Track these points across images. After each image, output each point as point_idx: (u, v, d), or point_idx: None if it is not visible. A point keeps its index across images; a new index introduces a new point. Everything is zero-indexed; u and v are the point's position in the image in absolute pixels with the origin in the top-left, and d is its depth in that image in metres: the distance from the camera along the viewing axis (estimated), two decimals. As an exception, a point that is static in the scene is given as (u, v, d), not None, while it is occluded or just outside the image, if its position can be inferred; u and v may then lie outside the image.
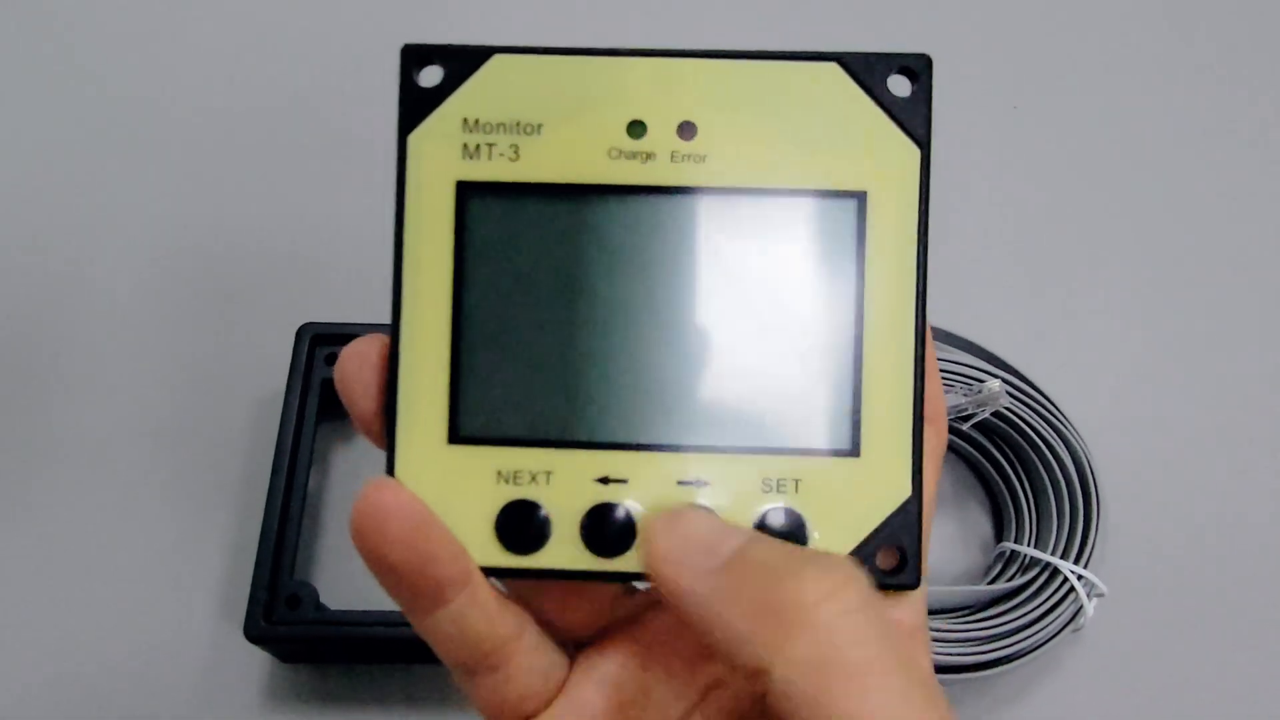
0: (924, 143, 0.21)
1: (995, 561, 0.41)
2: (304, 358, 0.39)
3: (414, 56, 0.21)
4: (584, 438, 0.21)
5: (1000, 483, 0.42)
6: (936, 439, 0.22)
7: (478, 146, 0.21)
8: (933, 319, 0.44)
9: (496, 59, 0.21)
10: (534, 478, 0.21)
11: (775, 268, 0.21)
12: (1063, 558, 0.39)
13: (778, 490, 0.21)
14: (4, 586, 0.39)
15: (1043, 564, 0.39)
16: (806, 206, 0.21)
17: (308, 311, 0.42)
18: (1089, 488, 0.40)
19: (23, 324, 0.45)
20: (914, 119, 0.21)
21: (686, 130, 0.21)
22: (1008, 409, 0.41)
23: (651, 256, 0.21)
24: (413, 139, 0.21)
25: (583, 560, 0.21)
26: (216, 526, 0.40)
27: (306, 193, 0.50)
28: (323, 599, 0.35)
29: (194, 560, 0.40)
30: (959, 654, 0.37)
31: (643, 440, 0.21)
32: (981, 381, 0.41)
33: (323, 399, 0.39)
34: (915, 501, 0.21)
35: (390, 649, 0.36)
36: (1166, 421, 0.45)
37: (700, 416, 0.21)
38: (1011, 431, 0.41)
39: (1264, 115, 0.54)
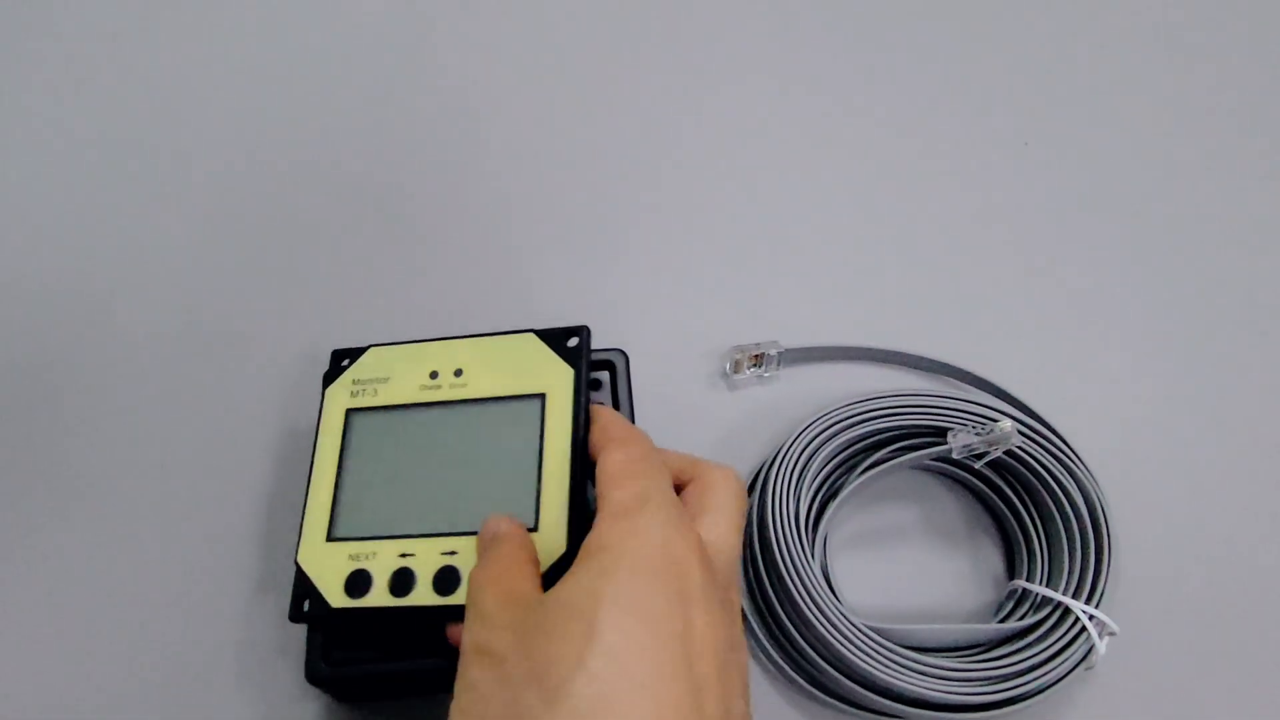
0: (578, 368, 0.38)
1: (1007, 600, 0.41)
2: (333, 374, 0.40)
3: (337, 357, 0.40)
4: (395, 533, 0.36)
5: (1012, 521, 0.43)
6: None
7: (358, 391, 0.39)
8: (947, 356, 0.45)
9: (371, 350, 0.40)
10: (366, 556, 0.36)
11: (499, 436, 0.37)
12: (1074, 597, 0.39)
13: None
14: (56, 635, 0.40)
15: (1054, 603, 0.39)
16: (516, 402, 0.38)
17: (329, 336, 0.43)
18: (1101, 527, 0.40)
19: (65, 353, 0.47)
20: (572, 357, 0.38)
21: (459, 373, 0.39)
22: (1020, 448, 0.41)
23: (436, 438, 0.38)
24: (328, 390, 0.40)
25: (388, 599, 0.35)
26: (251, 551, 0.41)
27: (330, 224, 0.51)
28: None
29: (233, 594, 0.41)
30: (970, 693, 0.37)
31: (424, 531, 0.36)
32: (994, 421, 0.41)
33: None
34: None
35: (398, 647, 0.37)
36: (1179, 460, 0.45)
37: (455, 518, 0.36)
38: (1024, 470, 0.42)
39: None
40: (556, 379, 0.38)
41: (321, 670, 0.35)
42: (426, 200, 0.52)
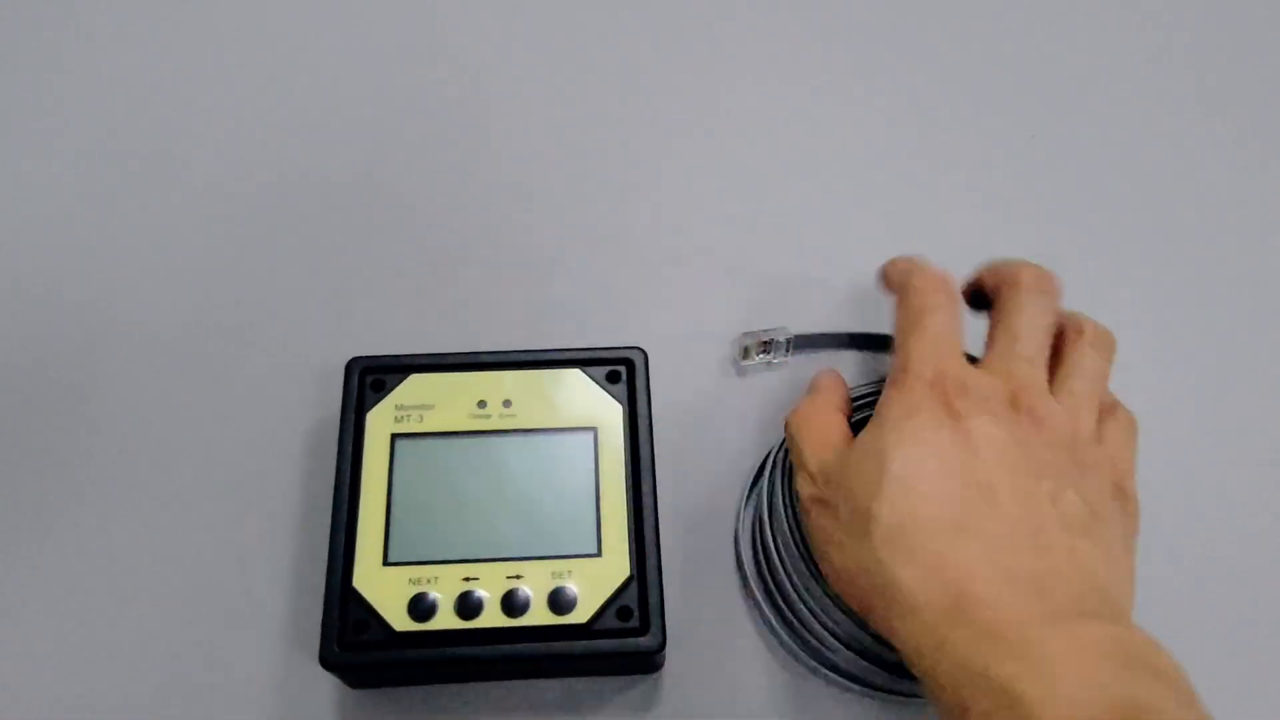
0: (623, 402, 0.41)
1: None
2: (355, 390, 0.41)
3: (362, 371, 0.41)
4: (456, 558, 0.37)
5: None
6: None
7: (402, 417, 0.40)
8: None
9: (412, 376, 0.41)
10: (428, 580, 0.37)
11: (555, 466, 0.39)
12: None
13: (562, 577, 0.37)
14: (69, 620, 0.41)
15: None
16: (569, 435, 0.40)
17: (341, 344, 0.44)
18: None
19: (79, 356, 0.47)
20: (619, 391, 0.41)
21: (508, 404, 0.41)
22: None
23: (490, 465, 0.39)
24: (370, 414, 0.40)
25: (456, 622, 0.36)
26: (276, 556, 0.42)
27: (347, 230, 0.52)
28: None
29: (257, 592, 0.42)
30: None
31: (487, 556, 0.37)
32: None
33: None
34: (636, 578, 0.37)
35: (464, 668, 0.38)
36: (1179, 463, 0.45)
37: (518, 542, 0.38)
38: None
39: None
40: (606, 414, 0.41)
41: (335, 654, 0.36)
42: (435, 199, 0.53)
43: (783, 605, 0.41)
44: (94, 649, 0.41)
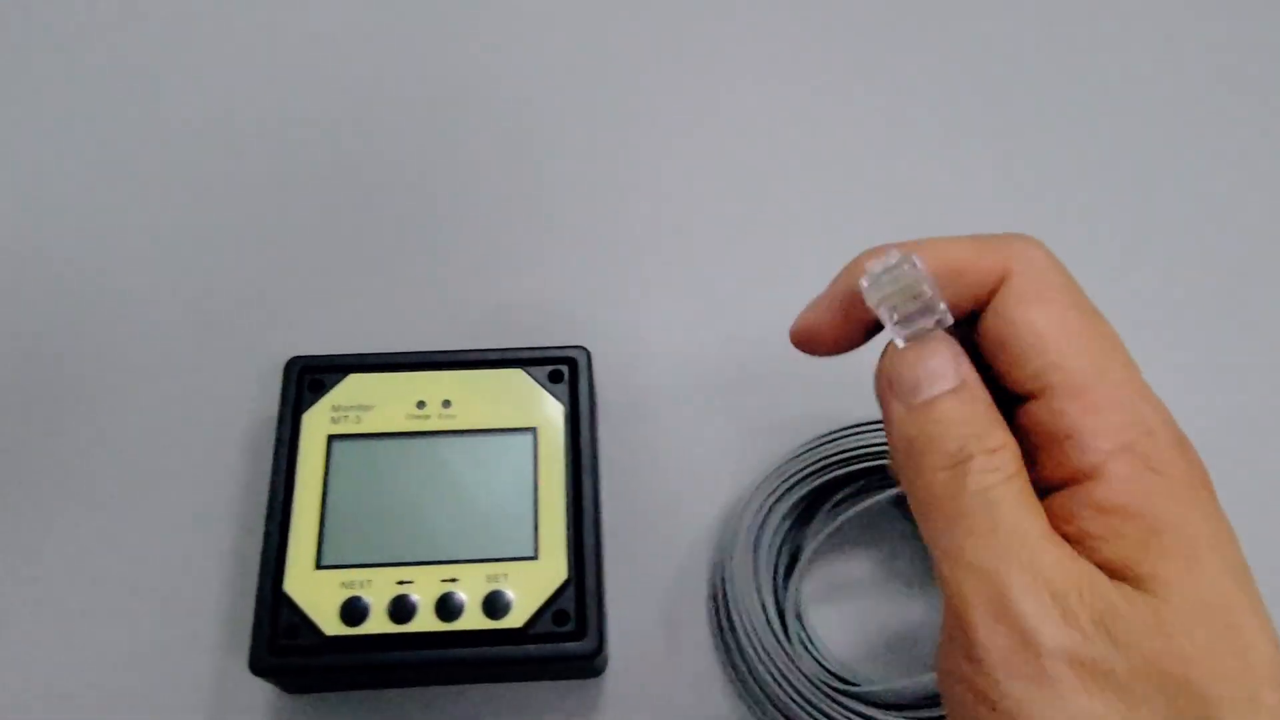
0: (565, 402, 0.40)
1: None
2: (293, 389, 0.40)
3: (302, 370, 0.40)
4: (390, 561, 0.37)
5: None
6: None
7: (339, 418, 0.39)
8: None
9: (351, 376, 0.40)
10: (361, 584, 0.36)
11: (494, 467, 0.39)
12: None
13: (498, 580, 0.37)
14: None
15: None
16: (508, 436, 0.39)
17: (278, 344, 0.43)
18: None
19: (11, 354, 0.47)
20: (561, 391, 0.40)
21: (447, 404, 0.40)
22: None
23: (428, 466, 0.38)
24: (305, 415, 0.40)
25: (388, 627, 0.36)
26: (211, 559, 0.42)
27: (285, 228, 0.51)
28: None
29: (191, 594, 0.41)
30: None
31: (422, 559, 0.37)
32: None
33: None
34: (574, 582, 0.37)
35: (397, 673, 0.37)
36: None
37: (453, 545, 0.37)
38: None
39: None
40: (548, 414, 0.40)
41: (265, 660, 0.35)
42: (398, 198, 0.52)
43: (744, 669, 0.39)
44: (19, 652, 0.40)
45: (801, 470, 0.41)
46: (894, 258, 0.25)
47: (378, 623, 0.36)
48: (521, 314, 0.48)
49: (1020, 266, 0.25)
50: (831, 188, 0.52)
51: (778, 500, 0.41)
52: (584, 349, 0.42)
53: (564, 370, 0.41)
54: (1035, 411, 0.24)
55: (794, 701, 0.37)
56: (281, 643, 0.36)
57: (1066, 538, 0.22)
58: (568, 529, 0.38)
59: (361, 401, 0.40)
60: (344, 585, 0.36)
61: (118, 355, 0.47)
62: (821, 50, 0.58)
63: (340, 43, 0.57)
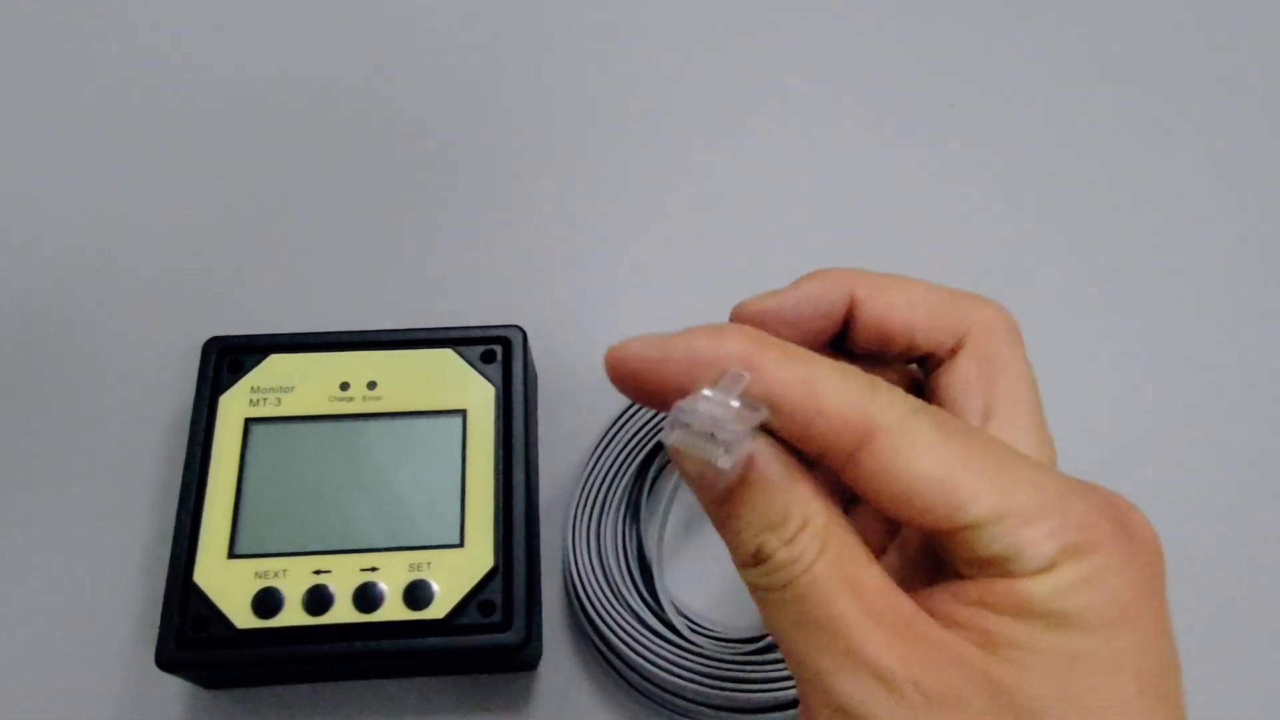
0: (497, 384, 0.38)
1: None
2: (211, 371, 0.38)
3: (220, 350, 0.38)
4: (307, 549, 0.35)
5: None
6: None
7: (258, 400, 0.38)
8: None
9: (272, 357, 0.38)
10: (276, 574, 0.34)
11: (420, 451, 0.37)
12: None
13: (420, 569, 0.35)
14: None
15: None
16: (436, 417, 0.38)
17: (200, 324, 0.42)
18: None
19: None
20: (493, 372, 0.38)
21: (373, 386, 0.38)
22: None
23: (350, 451, 0.37)
24: (222, 398, 0.38)
25: (303, 619, 0.34)
26: (127, 549, 0.40)
27: (204, 205, 0.49)
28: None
29: (105, 585, 0.39)
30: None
31: (341, 548, 0.35)
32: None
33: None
34: (501, 571, 0.35)
35: (314, 666, 0.36)
36: (1174, 466, 0.43)
37: (375, 533, 0.35)
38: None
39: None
40: (477, 395, 0.38)
41: (173, 655, 0.34)
42: (325, 171, 0.50)
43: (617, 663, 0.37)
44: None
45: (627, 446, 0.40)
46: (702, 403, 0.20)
47: (292, 614, 0.34)
48: (457, 293, 0.46)
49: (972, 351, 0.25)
50: (770, 168, 0.51)
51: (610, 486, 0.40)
52: (519, 328, 0.40)
53: (497, 350, 0.39)
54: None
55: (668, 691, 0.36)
56: (190, 636, 0.34)
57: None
58: (496, 515, 0.36)
59: (282, 383, 0.38)
60: (258, 575, 0.34)
61: (31, 338, 0.45)
62: (771, 30, 0.56)
63: (264, 19, 0.55)
